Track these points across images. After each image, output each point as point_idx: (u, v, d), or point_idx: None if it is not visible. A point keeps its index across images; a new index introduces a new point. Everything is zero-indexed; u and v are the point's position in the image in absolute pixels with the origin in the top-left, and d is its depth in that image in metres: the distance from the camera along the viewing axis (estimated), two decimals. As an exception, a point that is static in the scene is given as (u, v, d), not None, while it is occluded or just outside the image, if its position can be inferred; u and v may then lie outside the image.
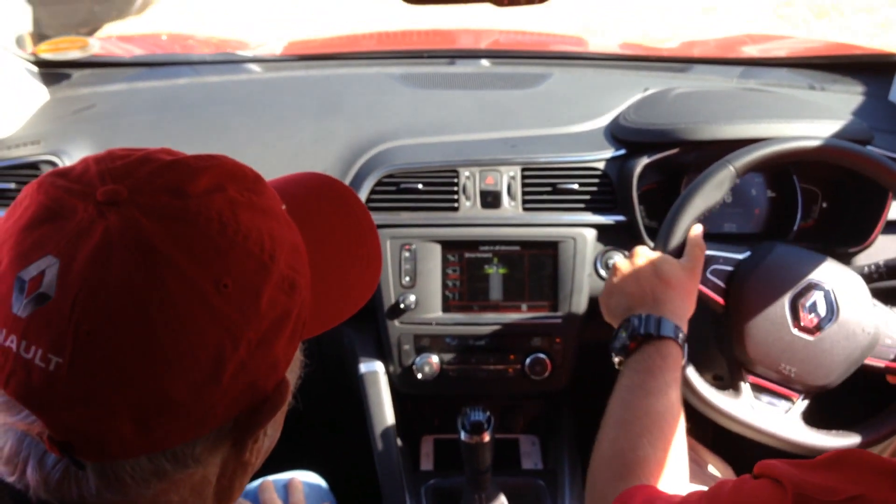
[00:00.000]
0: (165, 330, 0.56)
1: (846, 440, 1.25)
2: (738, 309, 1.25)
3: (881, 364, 1.26)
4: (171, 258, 0.57)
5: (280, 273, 0.63)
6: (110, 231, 0.57)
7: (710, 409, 1.24)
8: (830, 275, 1.26)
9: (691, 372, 1.23)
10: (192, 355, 0.57)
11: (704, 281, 1.26)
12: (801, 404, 1.26)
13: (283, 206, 0.69)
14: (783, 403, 1.26)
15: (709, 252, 1.26)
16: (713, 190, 1.26)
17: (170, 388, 0.57)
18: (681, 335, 1.11)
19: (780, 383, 1.26)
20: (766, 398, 1.26)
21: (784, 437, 1.23)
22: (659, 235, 1.27)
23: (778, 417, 1.25)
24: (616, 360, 1.14)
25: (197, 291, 0.58)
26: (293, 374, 0.71)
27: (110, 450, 0.58)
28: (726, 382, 1.28)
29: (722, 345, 1.30)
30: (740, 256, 1.28)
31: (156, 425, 0.58)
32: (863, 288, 1.27)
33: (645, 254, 1.22)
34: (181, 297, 0.57)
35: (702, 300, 1.25)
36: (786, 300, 1.24)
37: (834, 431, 1.26)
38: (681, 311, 1.14)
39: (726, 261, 1.28)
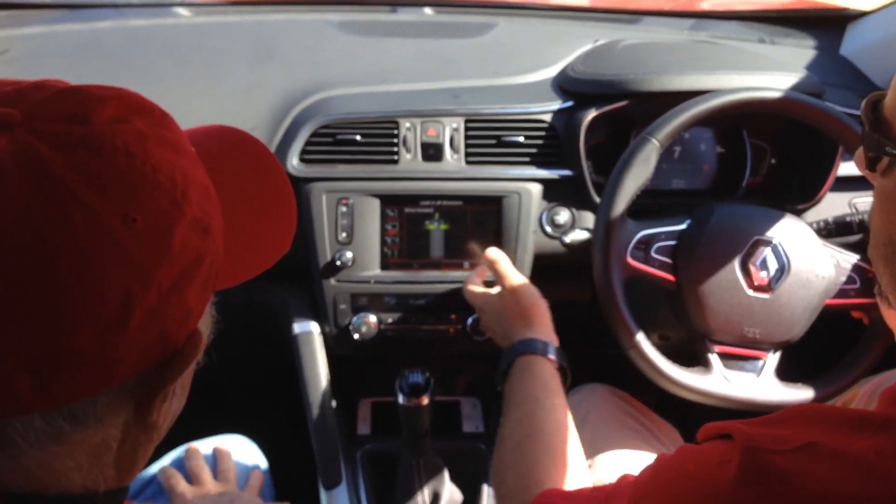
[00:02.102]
0: (67, 267, 0.50)
1: (821, 391, 1.24)
2: (690, 282, 1.21)
3: (841, 302, 1.25)
4: (73, 188, 0.50)
5: (193, 213, 0.57)
6: (1, 156, 0.50)
7: (685, 390, 1.21)
8: (775, 227, 1.23)
9: (660, 358, 1.20)
10: (98, 297, 0.51)
11: (650, 261, 1.23)
12: (773, 359, 1.24)
13: (194, 150, 0.63)
14: (755, 364, 1.24)
15: (649, 231, 1.23)
16: (640, 167, 1.21)
17: (72, 335, 0.50)
18: (536, 346, 1.14)
19: (747, 346, 1.23)
20: (737, 365, 1.24)
21: (762, 401, 1.22)
22: (595, 228, 1.24)
23: (753, 382, 1.23)
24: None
25: (103, 225, 0.51)
26: (205, 328, 0.64)
27: (1, 407, 0.51)
28: (694, 359, 1.25)
29: (682, 320, 1.26)
30: (681, 227, 1.25)
31: (55, 377, 0.51)
32: (808, 233, 1.25)
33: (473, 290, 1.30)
34: (85, 230, 0.50)
35: (653, 280, 1.23)
36: (735, 263, 1.21)
37: (810, 383, 1.24)
38: (529, 326, 1.19)
39: (668, 235, 1.24)
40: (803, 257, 1.22)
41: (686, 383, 1.21)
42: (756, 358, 1.24)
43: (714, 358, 1.23)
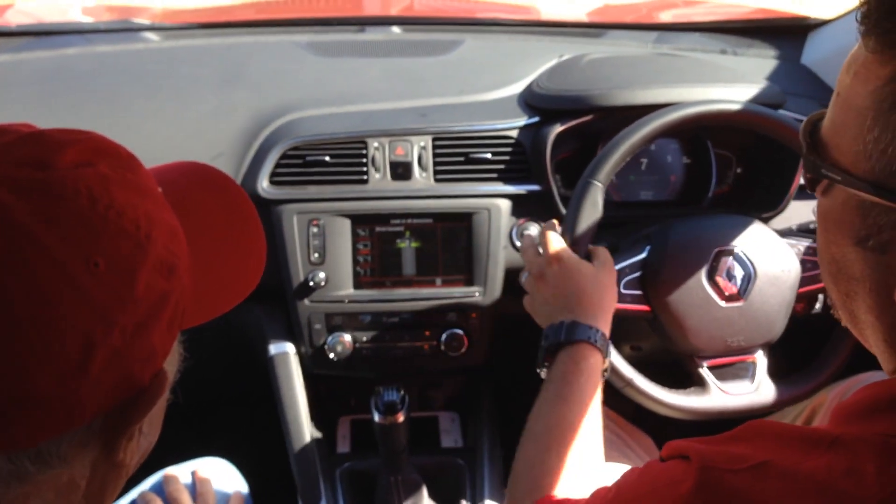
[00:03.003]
0: (28, 312, 0.50)
1: (816, 378, 1.27)
2: (664, 308, 1.23)
3: (812, 288, 1.27)
4: (34, 233, 0.51)
5: (157, 255, 0.57)
6: None
7: (689, 413, 1.23)
8: (733, 234, 1.25)
9: (657, 389, 1.22)
10: (59, 342, 0.51)
11: (622, 298, 1.23)
12: (763, 359, 1.26)
13: (160, 190, 0.63)
14: (747, 369, 1.26)
15: (615, 267, 1.23)
16: (589, 210, 1.21)
17: (33, 379, 0.51)
18: (597, 336, 1.09)
19: (734, 354, 1.25)
20: (730, 374, 1.26)
21: (763, 404, 1.24)
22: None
23: (749, 389, 1.25)
24: (541, 374, 1.12)
25: (64, 270, 0.51)
26: (172, 366, 0.65)
27: None
28: (688, 380, 1.27)
29: (665, 343, 1.27)
30: (643, 255, 1.26)
31: (17, 421, 0.51)
32: (766, 232, 1.27)
33: (558, 259, 1.18)
34: (46, 276, 0.51)
35: (630, 316, 1.23)
36: (703, 279, 1.22)
37: (804, 374, 1.27)
38: (593, 310, 1.12)
39: (632, 268, 1.25)
40: (767, 257, 1.24)
41: (688, 407, 1.23)
42: (746, 362, 1.26)
43: (706, 374, 1.24)
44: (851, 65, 0.62)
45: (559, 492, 0.94)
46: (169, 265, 0.58)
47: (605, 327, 1.12)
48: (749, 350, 1.25)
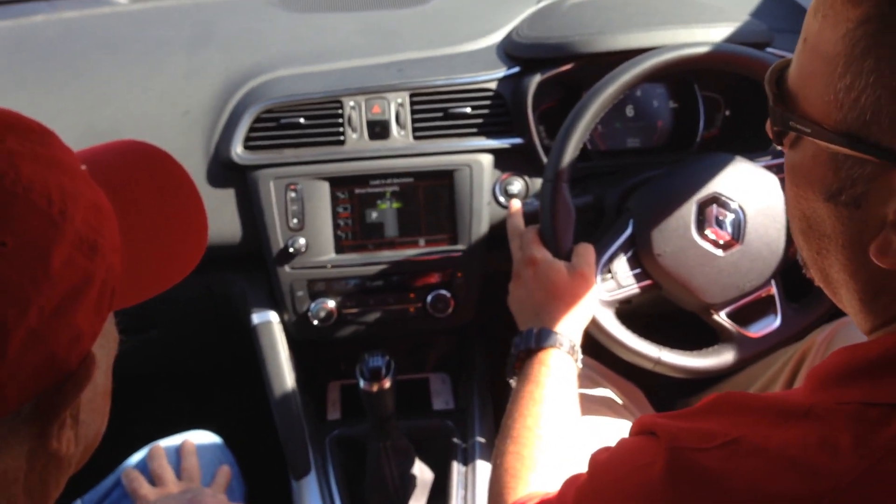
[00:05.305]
0: None
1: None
2: (666, 277, 1.20)
3: None
4: None
5: (76, 232, 0.54)
6: None
7: (725, 370, 1.23)
8: (707, 181, 1.21)
9: (689, 359, 1.21)
10: None
11: (624, 282, 1.21)
12: (778, 289, 1.25)
13: (84, 167, 0.60)
14: (767, 305, 1.24)
15: (605, 254, 1.21)
16: (562, 208, 1.18)
17: None
18: (564, 341, 1.09)
19: (749, 295, 1.23)
20: (752, 316, 1.24)
21: (795, 333, 1.24)
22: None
23: (776, 325, 1.24)
24: (511, 382, 1.13)
25: None
26: (104, 349, 0.62)
27: None
28: (715, 339, 1.26)
29: (682, 306, 1.26)
30: (628, 232, 1.22)
31: None
32: (737, 164, 1.23)
33: (533, 262, 1.18)
34: None
35: (640, 296, 1.22)
36: (693, 236, 1.19)
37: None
38: (563, 318, 1.12)
39: (623, 248, 1.22)
40: (749, 193, 1.21)
41: (724, 364, 1.22)
42: (763, 297, 1.24)
43: (727, 323, 1.23)
44: (819, 8, 0.57)
45: (536, 489, 0.93)
46: (90, 243, 0.55)
47: (577, 335, 1.13)
48: (764, 285, 1.23)
